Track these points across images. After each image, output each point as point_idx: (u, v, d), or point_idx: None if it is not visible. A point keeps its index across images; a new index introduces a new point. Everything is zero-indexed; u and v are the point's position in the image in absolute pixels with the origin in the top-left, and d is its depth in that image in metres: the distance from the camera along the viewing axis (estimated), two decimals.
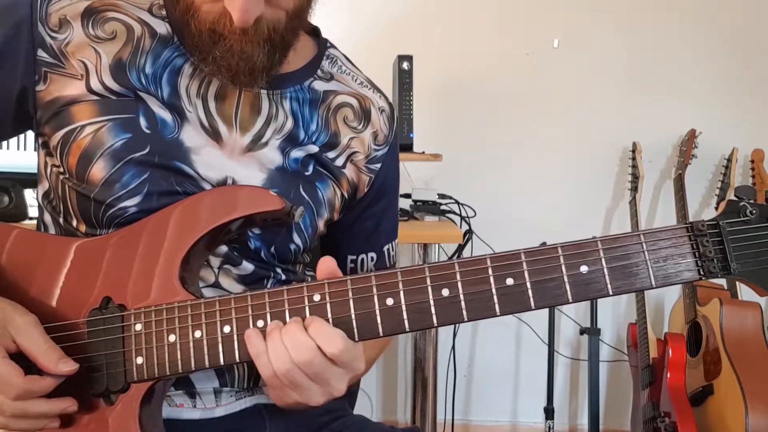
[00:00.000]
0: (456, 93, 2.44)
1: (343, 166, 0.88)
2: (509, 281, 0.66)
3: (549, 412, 2.23)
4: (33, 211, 1.68)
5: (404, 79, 2.00)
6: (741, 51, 2.41)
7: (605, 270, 0.65)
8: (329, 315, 0.68)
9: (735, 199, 0.67)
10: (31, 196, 1.69)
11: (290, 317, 0.68)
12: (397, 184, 0.99)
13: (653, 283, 0.65)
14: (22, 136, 1.65)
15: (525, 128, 2.45)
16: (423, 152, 2.05)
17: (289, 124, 0.84)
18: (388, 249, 0.97)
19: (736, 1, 2.41)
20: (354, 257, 0.95)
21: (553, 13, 2.42)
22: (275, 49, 0.75)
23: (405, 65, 2.00)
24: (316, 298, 0.68)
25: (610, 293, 0.65)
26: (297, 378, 0.67)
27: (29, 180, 1.64)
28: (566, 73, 2.43)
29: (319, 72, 0.89)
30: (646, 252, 0.65)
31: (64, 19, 0.77)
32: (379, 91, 0.95)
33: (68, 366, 0.69)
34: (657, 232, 0.66)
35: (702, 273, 0.65)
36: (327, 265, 0.70)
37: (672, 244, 0.65)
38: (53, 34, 0.76)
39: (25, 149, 1.66)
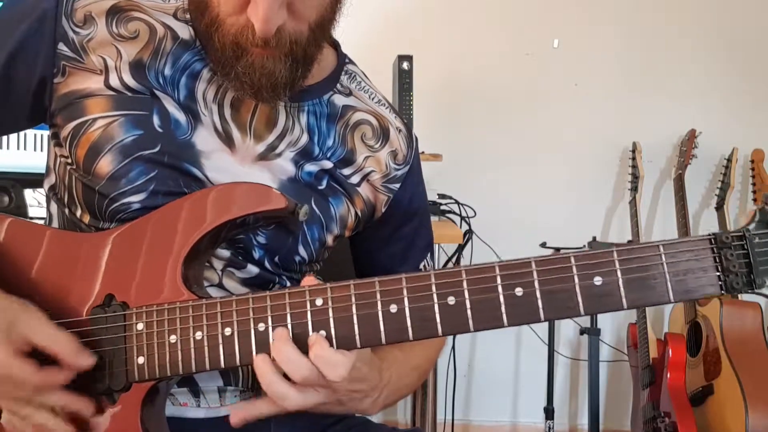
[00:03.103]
0: (456, 93, 2.44)
1: (358, 184, 0.87)
2: (518, 291, 0.63)
3: (549, 412, 2.23)
4: (33, 211, 1.68)
5: (404, 79, 1.99)
6: (741, 51, 2.41)
7: (620, 282, 0.62)
8: (331, 320, 0.67)
9: (766, 208, 0.61)
10: (31, 196, 1.69)
11: (291, 321, 0.67)
12: (426, 203, 0.98)
13: (671, 297, 0.61)
14: (22, 135, 1.65)
15: (525, 128, 2.45)
16: (423, 152, 2.05)
17: (304, 138, 0.83)
18: (425, 265, 0.96)
19: (736, 1, 2.41)
20: None
21: (553, 13, 2.42)
22: (297, 64, 0.74)
23: (405, 65, 2.00)
24: (319, 302, 0.67)
25: (625, 307, 0.62)
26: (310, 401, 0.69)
27: (29, 180, 1.64)
28: (566, 73, 2.43)
29: (338, 86, 0.88)
30: (664, 264, 0.61)
31: (89, 16, 0.77)
32: (395, 111, 0.94)
33: (87, 359, 0.69)
34: (677, 243, 0.61)
35: (725, 288, 0.60)
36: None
37: (693, 257, 0.61)
38: (77, 30, 0.77)
39: (25, 149, 1.66)
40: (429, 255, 0.98)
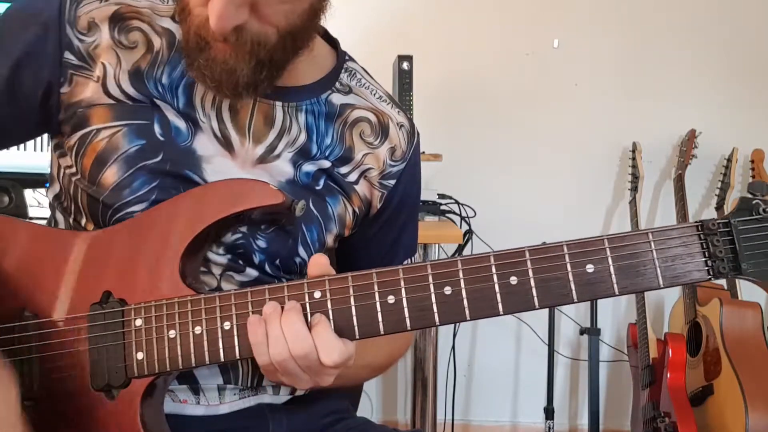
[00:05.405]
0: (456, 93, 2.44)
1: (356, 182, 0.87)
2: (513, 279, 0.65)
3: (549, 412, 2.23)
4: (33, 211, 1.69)
5: (404, 79, 2.00)
6: (741, 51, 2.41)
7: (611, 269, 0.64)
8: (330, 312, 0.67)
9: (748, 196, 0.64)
10: (31, 196, 1.70)
11: None
12: (418, 201, 0.97)
13: (661, 283, 0.63)
14: None
15: (525, 128, 2.45)
16: (423, 152, 2.05)
17: (302, 137, 0.83)
18: (408, 264, 0.96)
19: (735, 2, 2.41)
20: None
21: (553, 13, 2.43)
22: (262, 67, 0.73)
23: (405, 65, 2.00)
24: (317, 294, 0.68)
25: (616, 293, 0.64)
26: (290, 367, 0.68)
27: (29, 180, 1.65)
28: (566, 73, 2.44)
29: (337, 84, 0.87)
30: (654, 251, 0.63)
31: (92, 22, 0.77)
32: (399, 106, 0.93)
33: None
34: (666, 231, 0.64)
35: (712, 273, 0.63)
36: (318, 261, 0.70)
37: (681, 243, 0.63)
38: (81, 37, 0.76)
39: (24, 149, 1.66)
40: (414, 256, 0.97)
